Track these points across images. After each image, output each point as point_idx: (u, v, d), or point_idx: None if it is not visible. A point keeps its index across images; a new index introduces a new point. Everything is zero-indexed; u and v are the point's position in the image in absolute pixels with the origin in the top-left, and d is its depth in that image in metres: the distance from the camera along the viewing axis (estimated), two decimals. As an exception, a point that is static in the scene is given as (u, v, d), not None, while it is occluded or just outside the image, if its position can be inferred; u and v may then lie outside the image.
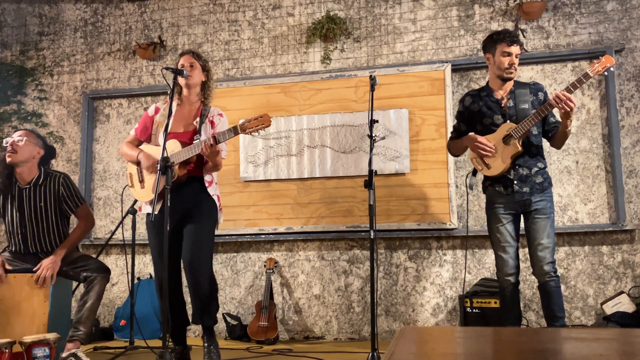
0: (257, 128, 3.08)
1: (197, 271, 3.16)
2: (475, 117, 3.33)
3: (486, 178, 3.36)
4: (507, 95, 3.26)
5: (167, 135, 3.08)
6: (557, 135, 3.22)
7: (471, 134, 3.35)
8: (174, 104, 3.34)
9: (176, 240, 3.24)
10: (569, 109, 2.98)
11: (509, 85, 3.29)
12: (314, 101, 4.64)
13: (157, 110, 3.41)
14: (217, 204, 3.34)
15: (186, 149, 3.14)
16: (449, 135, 3.60)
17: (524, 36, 4.40)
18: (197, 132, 3.27)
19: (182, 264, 3.31)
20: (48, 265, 3.29)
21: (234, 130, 3.10)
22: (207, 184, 3.30)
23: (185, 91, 3.35)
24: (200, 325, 3.32)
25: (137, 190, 3.36)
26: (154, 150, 3.28)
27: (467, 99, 3.39)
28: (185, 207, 3.23)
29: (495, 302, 3.80)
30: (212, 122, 3.33)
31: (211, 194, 3.30)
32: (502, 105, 3.25)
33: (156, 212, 3.08)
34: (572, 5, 4.40)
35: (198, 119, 3.31)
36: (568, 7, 4.41)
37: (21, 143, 3.45)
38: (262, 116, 3.09)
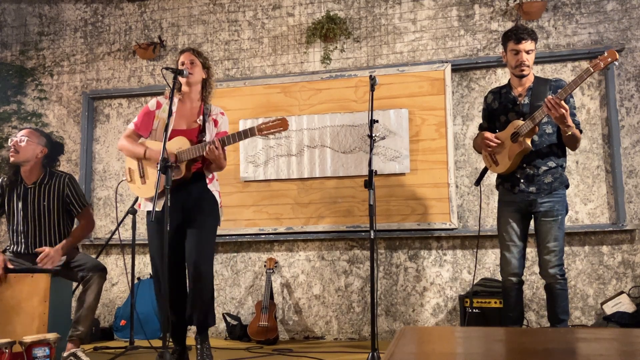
0: (275, 131, 3.12)
1: (202, 273, 3.16)
2: (494, 114, 3.33)
3: (497, 176, 3.35)
4: (525, 92, 3.21)
5: (170, 132, 3.06)
6: (562, 138, 3.13)
7: (483, 131, 3.34)
8: (175, 99, 3.30)
9: (178, 239, 3.23)
10: (558, 115, 2.90)
11: (528, 81, 3.22)
12: (314, 101, 4.64)
13: (158, 105, 3.35)
14: (219, 201, 3.34)
15: (194, 147, 3.14)
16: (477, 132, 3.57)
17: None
18: (201, 130, 3.27)
19: (182, 263, 3.30)
20: (50, 249, 3.33)
21: (248, 132, 3.12)
22: (207, 181, 3.30)
23: (185, 88, 3.32)
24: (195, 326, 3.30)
25: (138, 186, 3.32)
26: (159, 147, 3.18)
27: (489, 96, 3.38)
28: (187, 204, 3.22)
29: (495, 302, 3.80)
30: (215, 121, 3.33)
31: (212, 190, 3.30)
32: (518, 102, 3.21)
33: (158, 209, 3.04)
34: (572, 5, 4.40)
35: (201, 117, 3.30)
36: (568, 7, 4.41)
37: (23, 143, 3.44)
38: (280, 120, 3.12)
